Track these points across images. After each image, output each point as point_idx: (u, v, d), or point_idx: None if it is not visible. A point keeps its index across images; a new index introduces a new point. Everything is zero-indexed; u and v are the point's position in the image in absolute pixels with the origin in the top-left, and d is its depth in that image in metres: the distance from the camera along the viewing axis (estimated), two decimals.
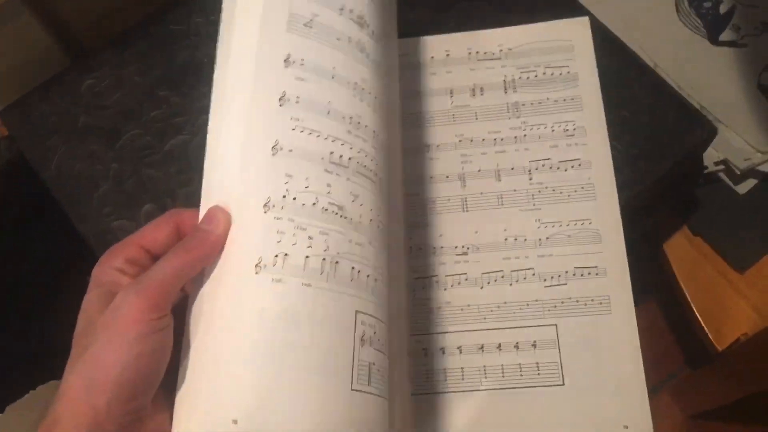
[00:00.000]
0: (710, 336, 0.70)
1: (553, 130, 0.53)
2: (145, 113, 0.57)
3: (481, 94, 0.55)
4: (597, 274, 0.50)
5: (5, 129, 0.59)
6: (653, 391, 0.89)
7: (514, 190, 0.52)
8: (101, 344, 0.34)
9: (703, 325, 0.70)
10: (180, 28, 0.60)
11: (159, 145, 0.56)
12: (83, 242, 0.55)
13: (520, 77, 0.55)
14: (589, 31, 0.56)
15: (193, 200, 0.53)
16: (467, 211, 0.52)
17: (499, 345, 0.49)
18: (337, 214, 0.40)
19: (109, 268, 0.38)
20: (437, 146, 0.55)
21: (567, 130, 0.53)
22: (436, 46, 0.57)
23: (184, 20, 0.60)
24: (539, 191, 0.52)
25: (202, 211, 0.40)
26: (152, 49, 0.59)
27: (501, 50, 0.56)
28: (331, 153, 0.41)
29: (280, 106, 0.41)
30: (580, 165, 0.52)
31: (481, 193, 0.53)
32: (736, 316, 0.69)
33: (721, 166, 0.69)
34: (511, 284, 0.50)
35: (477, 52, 0.57)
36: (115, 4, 0.63)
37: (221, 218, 0.38)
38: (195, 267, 0.38)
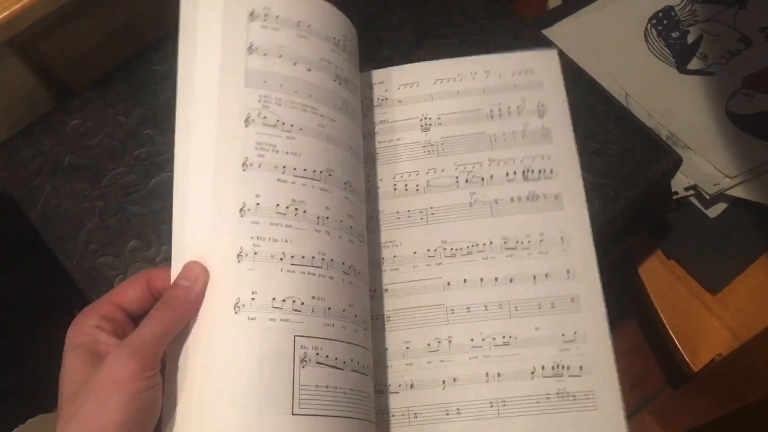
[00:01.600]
0: (686, 357, 0.71)
1: (523, 163, 0.55)
2: (129, 152, 0.59)
3: (447, 125, 0.57)
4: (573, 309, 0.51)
5: None
6: (636, 410, 0.91)
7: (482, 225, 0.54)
8: (96, 404, 0.35)
9: (679, 346, 0.71)
10: (162, 69, 0.61)
11: (143, 182, 0.58)
12: (69, 279, 0.56)
13: (489, 109, 0.57)
14: (558, 63, 0.58)
15: None
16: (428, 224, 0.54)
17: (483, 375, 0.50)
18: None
19: (86, 327, 0.39)
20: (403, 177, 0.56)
21: (538, 162, 0.55)
22: (403, 75, 0.59)
23: (166, 61, 0.62)
24: (509, 225, 0.53)
25: (174, 264, 0.41)
26: (135, 90, 0.61)
27: (470, 79, 0.58)
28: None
29: (244, 171, 0.43)
30: (554, 197, 0.54)
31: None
32: (710, 337, 0.71)
33: (692, 192, 0.71)
34: (485, 319, 0.51)
35: (444, 81, 0.58)
36: (98, 46, 0.64)
37: (199, 273, 0.40)
38: (180, 323, 0.40)
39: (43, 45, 0.60)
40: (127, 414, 0.35)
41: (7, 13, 0.53)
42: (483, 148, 0.55)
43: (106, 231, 0.56)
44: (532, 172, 0.54)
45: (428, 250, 0.53)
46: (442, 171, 0.55)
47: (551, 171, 0.54)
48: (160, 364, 0.38)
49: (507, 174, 0.54)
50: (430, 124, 0.57)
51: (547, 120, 0.56)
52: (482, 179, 0.54)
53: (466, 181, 0.54)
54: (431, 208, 0.54)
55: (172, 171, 0.57)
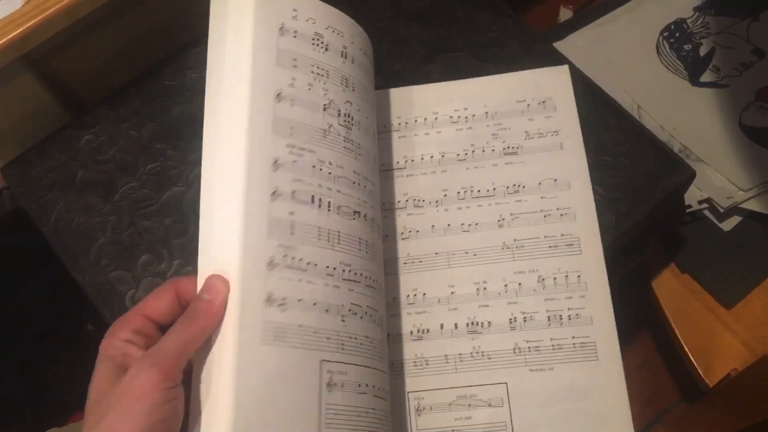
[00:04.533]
0: (701, 372, 0.70)
1: (536, 178, 0.55)
2: (142, 166, 0.59)
3: (462, 143, 0.57)
4: (582, 321, 0.51)
5: None
6: (650, 425, 0.90)
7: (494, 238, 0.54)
8: (117, 414, 0.36)
9: (694, 361, 0.71)
10: (174, 84, 0.62)
11: (155, 196, 0.58)
12: (80, 292, 0.56)
13: (501, 126, 0.57)
14: (569, 79, 0.58)
15: (189, 250, 0.55)
16: (451, 267, 0.54)
17: (475, 396, 0.50)
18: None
19: (117, 341, 0.40)
20: (417, 199, 0.56)
21: (550, 176, 0.55)
22: (416, 97, 0.59)
23: (178, 76, 0.62)
24: (522, 238, 0.53)
25: (200, 279, 0.41)
26: (148, 104, 0.61)
27: (481, 102, 0.58)
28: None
29: (272, 201, 0.43)
30: (563, 211, 0.54)
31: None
32: (725, 352, 0.70)
33: (705, 205, 0.71)
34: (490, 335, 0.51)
35: (456, 104, 0.58)
36: (111, 61, 0.65)
37: (221, 287, 0.40)
38: (201, 336, 0.40)
39: (57, 61, 0.61)
40: (147, 425, 0.36)
41: (21, 29, 0.53)
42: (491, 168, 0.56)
43: (118, 245, 0.56)
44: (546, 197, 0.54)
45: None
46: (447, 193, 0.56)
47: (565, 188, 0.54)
48: (181, 376, 0.38)
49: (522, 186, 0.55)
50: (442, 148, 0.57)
51: (560, 137, 0.56)
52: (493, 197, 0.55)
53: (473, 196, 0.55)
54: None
55: (183, 185, 0.58)
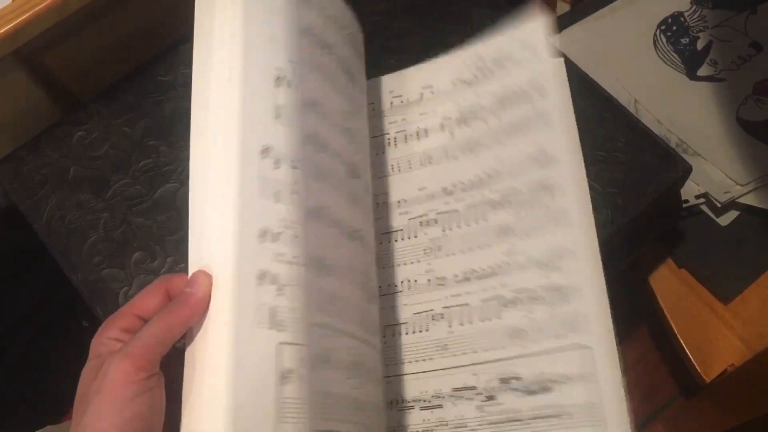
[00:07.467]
0: (698, 367, 0.70)
1: (529, 173, 0.54)
2: (134, 163, 0.58)
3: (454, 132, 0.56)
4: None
5: None
6: (648, 420, 0.90)
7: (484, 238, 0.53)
8: (93, 410, 0.35)
9: (690, 356, 0.70)
10: (167, 79, 0.61)
11: (148, 193, 0.58)
12: (74, 290, 0.56)
13: (492, 114, 0.55)
14: (564, 72, 0.57)
15: (182, 247, 0.55)
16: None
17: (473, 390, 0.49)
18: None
19: (105, 339, 0.39)
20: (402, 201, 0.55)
21: (543, 171, 0.54)
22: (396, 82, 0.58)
23: (170, 71, 0.62)
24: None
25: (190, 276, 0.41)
26: (140, 101, 0.61)
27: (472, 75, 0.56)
28: None
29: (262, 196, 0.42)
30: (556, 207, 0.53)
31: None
32: (722, 347, 0.70)
33: (702, 200, 0.70)
34: (483, 321, 0.50)
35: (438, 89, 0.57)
36: (103, 57, 0.64)
37: (203, 281, 0.40)
38: (178, 327, 0.39)
39: (49, 57, 0.61)
40: (124, 418, 0.35)
41: (11, 25, 0.53)
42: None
43: (110, 243, 0.56)
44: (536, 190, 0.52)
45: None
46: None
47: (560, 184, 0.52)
48: (156, 367, 0.38)
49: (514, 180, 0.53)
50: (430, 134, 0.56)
51: (552, 131, 0.54)
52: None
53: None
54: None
55: (176, 182, 0.58)
